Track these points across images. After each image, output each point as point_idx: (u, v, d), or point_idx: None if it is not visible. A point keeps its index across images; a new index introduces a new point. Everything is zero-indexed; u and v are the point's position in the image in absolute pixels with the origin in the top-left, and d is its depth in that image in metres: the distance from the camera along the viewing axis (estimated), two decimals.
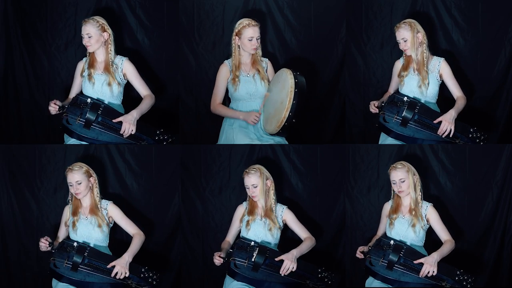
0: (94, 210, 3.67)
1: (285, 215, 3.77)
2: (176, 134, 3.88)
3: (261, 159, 4.08)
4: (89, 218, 3.67)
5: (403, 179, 3.68)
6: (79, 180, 3.63)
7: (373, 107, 3.81)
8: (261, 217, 3.73)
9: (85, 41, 3.69)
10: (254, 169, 3.73)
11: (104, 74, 3.70)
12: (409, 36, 3.73)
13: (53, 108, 3.61)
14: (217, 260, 3.60)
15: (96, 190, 3.69)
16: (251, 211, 3.74)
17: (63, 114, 3.64)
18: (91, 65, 3.71)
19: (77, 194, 3.64)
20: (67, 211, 3.72)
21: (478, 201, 4.06)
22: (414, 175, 3.70)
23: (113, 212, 3.73)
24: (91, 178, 3.68)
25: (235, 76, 3.82)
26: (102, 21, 3.70)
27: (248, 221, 3.73)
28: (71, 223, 3.66)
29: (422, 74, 3.75)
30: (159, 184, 4.08)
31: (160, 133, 3.70)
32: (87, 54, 3.75)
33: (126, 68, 3.76)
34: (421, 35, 3.74)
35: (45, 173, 4.03)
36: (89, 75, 3.70)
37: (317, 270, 3.71)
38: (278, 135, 3.76)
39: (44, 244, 3.58)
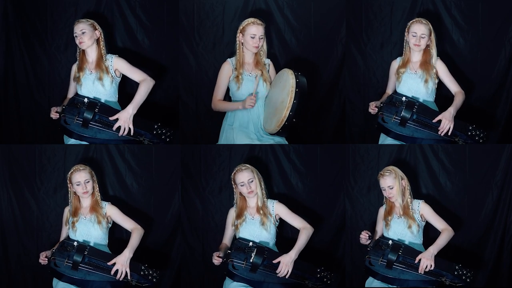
0: (95, 208, 3.69)
1: (277, 209, 3.76)
2: (175, 132, 3.88)
3: (261, 159, 4.08)
4: (89, 217, 3.68)
5: (392, 185, 3.69)
6: (87, 178, 3.68)
7: (372, 108, 3.83)
8: (252, 217, 3.73)
9: (79, 39, 3.68)
10: (245, 166, 3.73)
11: (95, 72, 3.71)
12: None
13: (54, 116, 3.68)
14: (216, 260, 3.60)
15: (97, 189, 3.73)
16: (239, 215, 3.74)
17: (61, 115, 3.65)
18: (80, 68, 3.72)
19: (85, 193, 3.67)
20: (67, 211, 3.74)
21: (478, 201, 4.05)
22: (402, 179, 3.71)
23: (111, 210, 3.74)
24: (94, 178, 3.72)
25: (238, 74, 3.82)
26: (92, 20, 3.73)
27: (237, 225, 3.73)
28: (71, 224, 3.67)
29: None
30: (159, 184, 4.08)
31: (158, 127, 3.70)
32: (77, 56, 3.75)
33: (116, 63, 3.74)
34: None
35: (45, 173, 4.03)
36: (78, 77, 3.71)
37: (316, 270, 3.70)
38: (278, 134, 3.75)
39: (43, 261, 3.62)
